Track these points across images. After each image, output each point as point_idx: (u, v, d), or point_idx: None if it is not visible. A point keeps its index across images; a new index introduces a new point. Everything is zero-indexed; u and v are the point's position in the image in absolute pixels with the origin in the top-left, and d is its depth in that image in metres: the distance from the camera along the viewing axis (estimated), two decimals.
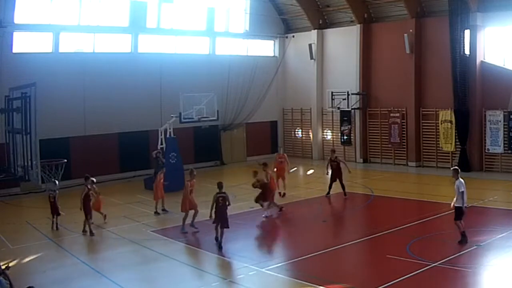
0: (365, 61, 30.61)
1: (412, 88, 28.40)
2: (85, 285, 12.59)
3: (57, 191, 18.10)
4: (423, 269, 12.35)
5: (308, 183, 26.02)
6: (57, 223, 17.72)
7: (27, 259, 14.47)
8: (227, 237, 15.93)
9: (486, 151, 25.92)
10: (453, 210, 14.44)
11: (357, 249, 15.03)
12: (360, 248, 15.08)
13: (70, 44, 26.35)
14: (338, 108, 31.42)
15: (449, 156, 27.48)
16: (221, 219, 14.99)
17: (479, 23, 25.51)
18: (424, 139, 28.54)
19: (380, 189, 22.86)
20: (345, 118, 31.52)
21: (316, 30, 32.71)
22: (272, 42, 34.95)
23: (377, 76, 30.44)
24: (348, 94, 30.90)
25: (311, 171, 29.30)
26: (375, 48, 30.46)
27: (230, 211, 17.43)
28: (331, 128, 32.88)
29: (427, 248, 14.21)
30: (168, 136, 24.51)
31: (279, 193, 21.78)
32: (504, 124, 25.10)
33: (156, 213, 19.47)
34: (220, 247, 14.84)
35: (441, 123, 27.27)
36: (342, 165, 21.54)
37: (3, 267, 10.72)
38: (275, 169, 22.07)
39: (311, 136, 33.82)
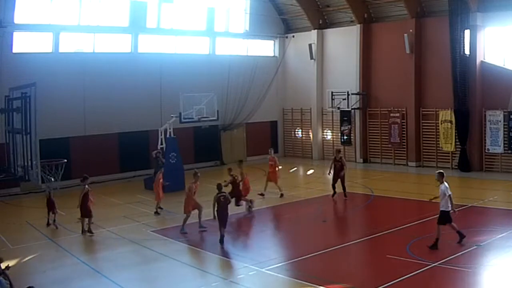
0: (365, 61, 30.61)
1: (412, 88, 28.40)
2: (85, 285, 12.59)
3: (52, 188, 18.25)
4: (423, 269, 12.35)
5: (308, 183, 26.03)
6: (54, 220, 17.79)
7: (27, 259, 14.47)
8: (227, 237, 15.94)
9: (486, 151, 25.92)
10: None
11: (357, 249, 15.03)
12: (360, 248, 15.08)
13: (70, 44, 26.34)
14: (338, 108, 31.42)
15: (449, 156, 27.48)
16: (223, 218, 15.45)
17: (479, 23, 25.51)
18: (424, 139, 28.54)
19: (380, 189, 22.87)
20: (345, 118, 31.52)
21: (316, 30, 32.71)
22: (272, 42, 34.95)
23: (377, 76, 30.44)
24: (348, 94, 30.90)
25: (311, 171, 29.31)
26: (375, 48, 30.46)
27: (231, 210, 17.57)
28: (331, 128, 32.88)
29: (427, 248, 14.18)
30: (168, 136, 24.51)
31: (281, 194, 21.77)
32: (504, 124, 25.10)
33: (156, 213, 19.50)
34: (221, 241, 15.25)
35: (441, 123, 27.27)
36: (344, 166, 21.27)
37: (3, 267, 10.71)
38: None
39: (311, 136, 33.83)
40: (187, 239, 16.12)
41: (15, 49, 24.35)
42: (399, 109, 29.15)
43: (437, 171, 14.58)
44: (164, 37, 29.85)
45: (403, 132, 29.11)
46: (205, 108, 25.17)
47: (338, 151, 21.89)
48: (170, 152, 23.84)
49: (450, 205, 13.90)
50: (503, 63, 25.62)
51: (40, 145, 17.18)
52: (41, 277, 12.95)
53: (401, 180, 25.64)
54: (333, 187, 21.09)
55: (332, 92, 31.69)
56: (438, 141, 27.66)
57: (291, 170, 30.22)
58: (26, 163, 17.89)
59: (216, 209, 15.40)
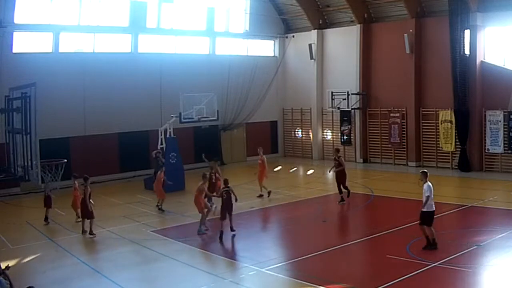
0: (365, 61, 30.62)
1: (412, 88, 28.40)
2: (85, 285, 12.59)
3: (51, 188, 18.60)
4: (423, 269, 12.35)
5: (308, 183, 26.03)
6: (47, 216, 18.14)
7: (27, 259, 14.47)
8: (226, 237, 15.95)
9: (486, 151, 25.92)
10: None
11: (357, 249, 15.03)
12: (360, 248, 15.08)
13: (70, 44, 26.35)
14: (338, 108, 31.42)
15: (449, 156, 27.49)
16: (226, 211, 16.07)
17: (479, 23, 25.51)
18: (424, 139, 28.54)
19: (380, 189, 22.87)
20: (345, 118, 31.52)
21: (316, 30, 32.71)
22: (272, 42, 34.95)
23: (377, 76, 30.44)
24: (348, 94, 30.90)
25: (311, 171, 29.32)
26: (375, 48, 30.47)
27: (235, 211, 17.63)
28: (331, 128, 32.88)
29: (423, 246, 14.19)
30: (168, 136, 24.51)
31: (269, 193, 21.55)
32: (504, 124, 25.10)
33: (160, 209, 19.70)
34: (233, 231, 16.04)
35: (441, 123, 27.28)
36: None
37: (3, 267, 10.71)
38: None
39: (311, 136, 33.83)
40: (190, 238, 16.11)
41: (15, 49, 24.36)
42: (399, 109, 29.15)
43: (421, 171, 14.42)
44: (164, 37, 29.85)
45: (403, 132, 29.11)
46: (205, 108, 25.17)
47: (337, 150, 21.42)
48: (170, 152, 23.85)
49: (428, 205, 13.68)
50: (503, 63, 25.62)
51: (40, 145, 17.15)
52: (41, 277, 12.95)
53: (401, 180, 25.63)
54: (339, 191, 20.32)
55: (332, 92, 31.70)
56: (438, 141, 27.66)
57: (291, 170, 30.23)
58: (26, 163, 17.87)
59: (221, 204, 16.16)
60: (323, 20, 32.81)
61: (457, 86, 25.89)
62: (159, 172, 20.53)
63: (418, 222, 13.97)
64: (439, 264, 12.62)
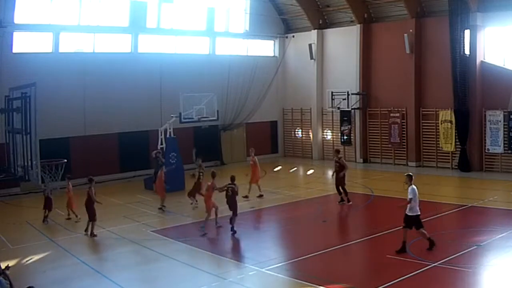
0: (365, 61, 30.61)
1: (412, 88, 28.41)
2: (85, 285, 12.59)
3: (51, 188, 18.83)
4: (423, 269, 12.36)
5: (308, 183, 26.03)
6: (46, 216, 18.35)
7: (27, 259, 14.47)
8: (226, 237, 15.95)
9: (486, 151, 25.92)
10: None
11: (357, 249, 15.04)
12: (360, 248, 15.08)
13: (70, 44, 26.35)
14: (338, 108, 31.43)
15: (449, 156, 27.49)
16: (232, 207, 16.59)
17: (479, 23, 25.51)
18: (424, 139, 28.54)
19: (380, 189, 22.86)
20: (345, 118, 31.52)
21: (316, 30, 32.71)
22: (272, 42, 34.95)
23: (377, 76, 30.44)
24: (348, 94, 30.90)
25: (311, 171, 29.31)
26: (375, 48, 30.46)
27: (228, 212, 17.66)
28: (331, 128, 32.88)
29: (427, 248, 14.19)
30: (168, 136, 24.51)
31: (261, 195, 21.59)
32: (504, 124, 25.10)
33: (160, 209, 19.79)
34: (232, 231, 16.31)
35: (441, 123, 27.28)
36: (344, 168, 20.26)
37: (3, 267, 10.71)
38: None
39: (311, 136, 33.83)
40: (190, 238, 16.12)
41: (15, 49, 24.36)
42: (399, 109, 29.15)
43: (406, 173, 14.33)
44: (164, 37, 29.85)
45: (403, 132, 29.11)
46: (205, 108, 25.17)
47: (337, 151, 21.18)
48: (170, 152, 23.84)
49: (412, 208, 13.59)
50: (503, 63, 25.62)
51: (40, 145, 17.16)
52: (41, 277, 12.95)
53: (401, 180, 25.22)
54: (338, 192, 20.20)
55: (332, 92, 31.70)
56: (438, 141, 27.66)
57: (291, 170, 30.23)
58: (26, 163, 17.87)
59: (226, 200, 16.71)
60: (323, 20, 32.81)
61: (457, 86, 25.89)
62: (159, 171, 20.60)
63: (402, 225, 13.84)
64: (439, 264, 12.62)
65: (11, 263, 13.08)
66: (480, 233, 15.18)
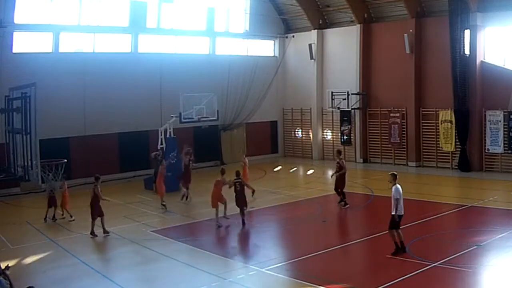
0: (365, 61, 30.62)
1: (412, 88, 28.41)
2: (85, 285, 12.59)
3: (54, 188, 18.97)
4: (423, 269, 12.36)
5: (308, 183, 26.02)
6: (54, 214, 18.48)
7: (27, 259, 14.47)
8: (227, 237, 15.95)
9: (486, 151, 25.92)
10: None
11: (357, 249, 15.03)
12: (360, 248, 15.08)
13: (70, 44, 26.36)
14: (338, 108, 31.43)
15: (449, 156, 27.49)
16: (240, 201, 17.31)
17: (479, 23, 25.51)
18: (424, 139, 28.54)
19: (380, 189, 22.79)
20: (345, 118, 31.52)
21: (316, 30, 32.71)
22: (272, 42, 34.95)
23: (377, 76, 30.44)
24: (348, 94, 30.91)
25: (311, 171, 29.31)
26: (375, 48, 30.47)
27: (231, 211, 17.63)
28: (331, 128, 32.88)
29: (427, 248, 14.20)
30: (168, 136, 24.51)
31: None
32: (504, 124, 25.10)
33: (163, 206, 19.96)
34: (243, 224, 17.19)
35: (441, 123, 27.28)
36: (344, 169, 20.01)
37: (3, 267, 10.72)
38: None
39: (311, 136, 33.83)
40: (190, 238, 16.13)
41: (15, 49, 24.36)
42: (399, 109, 29.15)
43: (390, 173, 14.19)
44: (164, 37, 29.86)
45: (403, 132, 29.11)
46: (205, 108, 25.18)
47: (339, 152, 20.91)
48: (170, 152, 23.84)
49: (396, 209, 13.41)
50: (503, 63, 25.63)
51: (40, 145, 17.11)
52: (41, 277, 12.95)
53: (401, 180, 25.37)
54: (338, 194, 20.01)
55: (332, 92, 31.70)
56: (438, 141, 27.66)
57: (291, 170, 30.23)
58: (26, 163, 17.84)
59: (234, 195, 17.46)
60: (323, 20, 32.81)
61: (457, 86, 25.89)
62: (160, 167, 20.79)
63: (388, 227, 13.73)
64: (439, 264, 12.62)
65: (11, 263, 13.10)
66: (480, 233, 15.18)
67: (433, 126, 27.90)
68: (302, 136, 34.53)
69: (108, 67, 26.77)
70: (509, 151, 25.15)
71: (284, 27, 34.94)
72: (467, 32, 25.58)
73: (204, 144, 30.78)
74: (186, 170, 21.62)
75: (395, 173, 14.13)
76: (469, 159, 26.26)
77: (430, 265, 12.58)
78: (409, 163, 28.85)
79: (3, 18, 23.46)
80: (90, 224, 16.75)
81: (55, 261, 14.31)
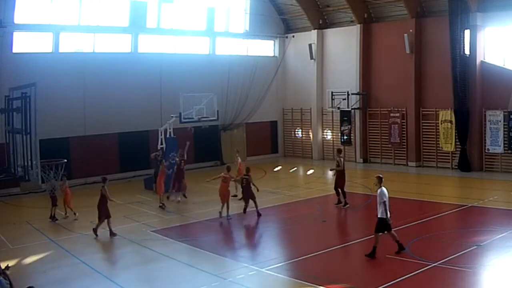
0: (365, 61, 30.62)
1: (412, 88, 28.41)
2: (85, 285, 12.59)
3: (55, 186, 19.01)
4: (423, 269, 12.35)
5: (308, 183, 26.02)
6: (54, 214, 18.55)
7: (27, 259, 14.47)
8: (226, 237, 15.94)
9: (486, 151, 25.92)
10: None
11: (357, 249, 15.02)
12: (360, 248, 15.05)
13: (70, 44, 26.36)
14: (338, 108, 31.43)
15: (449, 156, 27.49)
16: (248, 196, 18.51)
17: (479, 23, 25.51)
18: (424, 139, 28.54)
19: None
20: (345, 118, 31.52)
21: (316, 30, 32.71)
22: (272, 42, 34.95)
23: (377, 76, 30.44)
24: (348, 94, 30.91)
25: (311, 171, 29.31)
26: (375, 48, 30.47)
27: (231, 211, 17.70)
28: (331, 128, 32.89)
29: (427, 248, 14.20)
30: (168, 136, 24.51)
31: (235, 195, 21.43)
32: (504, 124, 25.10)
33: (161, 207, 20.04)
34: (258, 215, 18.34)
35: (441, 123, 27.28)
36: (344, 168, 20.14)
37: (3, 267, 10.72)
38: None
39: (311, 136, 33.83)
40: (190, 238, 16.13)
41: (15, 49, 24.36)
42: (399, 109, 29.15)
43: (376, 175, 14.14)
44: (164, 37, 29.85)
45: (403, 132, 29.11)
46: (205, 108, 25.16)
47: (339, 151, 20.98)
48: (170, 152, 23.82)
49: (386, 212, 13.39)
50: (503, 63, 25.62)
51: (40, 145, 17.17)
52: (41, 277, 12.95)
53: (401, 180, 25.63)
54: (337, 194, 20.00)
55: (332, 92, 31.70)
56: (438, 141, 27.67)
57: (291, 170, 30.23)
58: (26, 163, 17.88)
59: (241, 191, 18.88)
60: (323, 20, 32.81)
61: (457, 86, 25.89)
62: (160, 166, 21.00)
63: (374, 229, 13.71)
64: (439, 264, 12.61)
65: (11, 263, 13.13)
66: (480, 233, 15.18)
67: (433, 126, 27.90)
68: (302, 136, 34.53)
69: (108, 67, 26.77)
70: (509, 151, 25.15)
71: (284, 27, 34.94)
72: (467, 32, 25.58)
73: (204, 144, 30.78)
74: (178, 170, 21.50)
75: (381, 175, 14.03)
76: (469, 159, 26.26)
77: (430, 265, 12.57)
78: (409, 163, 28.85)
79: (3, 18, 23.46)
80: (90, 224, 16.75)
81: (55, 261, 14.31)
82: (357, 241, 15.34)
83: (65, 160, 21.97)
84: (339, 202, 19.91)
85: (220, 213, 18.47)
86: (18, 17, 24.24)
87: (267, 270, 13.00)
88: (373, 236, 13.81)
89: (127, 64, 27.60)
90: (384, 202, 13.42)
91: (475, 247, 13.89)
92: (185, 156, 21.92)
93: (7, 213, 20.69)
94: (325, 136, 33.33)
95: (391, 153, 30.00)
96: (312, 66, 33.14)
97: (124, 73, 27.33)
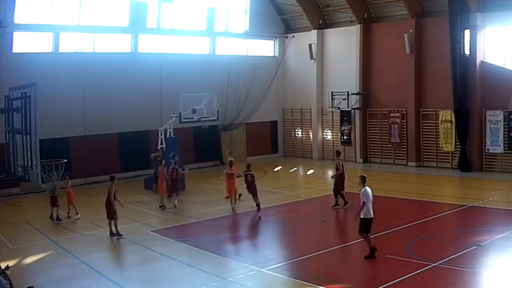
0: (365, 61, 30.62)
1: (412, 88, 28.41)
2: (85, 285, 12.59)
3: (56, 187, 18.86)
4: (423, 269, 12.35)
5: (308, 183, 26.02)
6: (57, 215, 18.38)
7: (27, 259, 14.47)
8: (227, 237, 15.94)
9: (486, 151, 25.92)
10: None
11: (357, 249, 15.01)
12: (360, 248, 15.04)
13: (70, 44, 26.37)
14: (338, 108, 31.42)
15: (449, 156, 27.49)
16: (252, 191, 19.37)
17: (479, 23, 25.50)
18: (424, 139, 28.54)
19: (380, 189, 22.74)
20: (345, 118, 31.52)
21: (316, 30, 32.71)
22: (272, 42, 34.95)
23: (377, 76, 30.44)
24: (348, 94, 30.90)
25: (311, 171, 29.30)
26: (375, 48, 30.46)
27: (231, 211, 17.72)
28: (331, 128, 32.88)
29: (427, 248, 14.20)
30: (168, 136, 24.51)
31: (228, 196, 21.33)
32: (504, 124, 25.10)
33: (161, 206, 20.07)
34: (258, 208, 19.32)
35: (441, 123, 27.28)
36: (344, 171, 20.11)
37: (3, 267, 10.72)
38: None
39: (311, 136, 33.83)
40: (190, 238, 16.13)
41: (15, 49, 24.37)
42: (399, 109, 29.15)
43: (360, 175, 14.17)
44: (164, 37, 29.86)
45: (403, 132, 29.11)
46: (205, 108, 25.16)
47: (337, 153, 20.94)
48: (170, 152, 23.81)
49: (363, 212, 13.35)
50: (503, 63, 25.62)
51: (40, 145, 17.16)
52: (41, 277, 12.94)
53: (401, 180, 25.64)
54: (335, 196, 19.93)
55: (332, 92, 31.70)
56: (438, 141, 27.66)
57: (291, 170, 30.23)
58: (26, 163, 17.88)
59: (245, 186, 19.53)
60: (323, 20, 32.81)
61: (457, 86, 25.89)
62: (159, 166, 20.98)
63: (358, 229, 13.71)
64: (439, 264, 12.61)
65: (11, 263, 13.14)
66: (480, 233, 15.18)
67: (433, 126, 27.90)
68: (302, 136, 34.53)
69: (108, 67, 26.77)
70: (509, 151, 25.14)
71: (284, 27, 34.93)
72: (467, 32, 25.57)
73: (204, 144, 30.79)
74: (171, 179, 20.68)
75: (364, 175, 14.09)
76: (469, 159, 26.26)
77: (430, 265, 12.57)
78: (409, 163, 28.85)
79: (3, 18, 23.46)
80: (90, 224, 16.76)
81: (55, 261, 14.31)
82: (357, 241, 15.30)
83: (65, 160, 21.98)
84: (337, 204, 19.90)
85: (233, 209, 19.40)
86: (18, 17, 24.25)
87: (267, 270, 13.00)
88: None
89: (127, 64, 27.61)
90: (363, 202, 13.42)
91: (475, 247, 13.89)
92: (177, 165, 20.99)
93: (7, 213, 20.69)
94: (325, 136, 33.33)
95: (391, 153, 29.99)
96: (312, 66, 33.14)
97: (124, 73, 27.34)
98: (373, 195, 20.08)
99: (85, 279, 12.88)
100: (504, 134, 25.10)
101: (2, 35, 23.59)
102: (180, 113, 24.32)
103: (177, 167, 20.83)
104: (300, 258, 13.92)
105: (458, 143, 26.61)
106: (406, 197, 21.49)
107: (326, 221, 18.37)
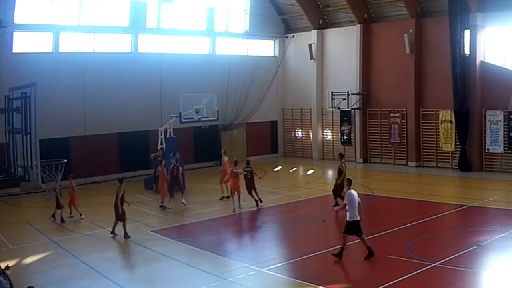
0: (365, 61, 30.62)
1: (412, 88, 28.41)
2: (85, 285, 12.59)
3: (57, 188, 18.82)
4: (423, 269, 12.35)
5: (308, 183, 26.01)
6: (61, 217, 18.39)
7: (27, 259, 14.47)
8: (227, 237, 15.93)
9: (486, 151, 25.92)
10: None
11: (357, 249, 15.00)
12: (360, 248, 15.04)
13: (70, 44, 26.37)
14: (338, 108, 31.42)
15: (449, 156, 27.49)
16: (251, 187, 19.84)
17: (479, 23, 25.50)
18: (424, 139, 28.54)
19: (380, 189, 22.85)
20: (345, 118, 31.52)
21: (316, 30, 32.71)
22: (272, 42, 34.95)
23: (377, 76, 30.44)
24: (348, 94, 30.90)
25: (311, 171, 29.30)
26: (375, 48, 30.46)
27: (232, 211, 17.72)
28: (331, 128, 32.88)
29: (427, 248, 14.20)
30: (168, 136, 24.51)
31: (222, 197, 21.46)
32: (504, 124, 25.10)
33: (162, 207, 20.11)
34: (260, 201, 19.85)
35: (441, 123, 27.28)
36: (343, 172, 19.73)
37: (3, 267, 10.72)
38: None
39: (311, 136, 33.82)
40: (190, 238, 16.13)
41: (15, 49, 24.37)
42: (399, 109, 29.15)
43: (346, 177, 14.30)
44: (164, 37, 29.86)
45: (403, 132, 29.10)
46: (205, 108, 25.15)
47: (341, 155, 20.64)
48: (170, 152, 23.81)
49: (349, 214, 13.33)
50: (503, 63, 25.62)
51: (40, 145, 17.17)
52: (41, 277, 12.95)
53: (401, 180, 25.64)
54: (334, 195, 19.74)
55: (332, 92, 31.70)
56: (438, 141, 27.66)
57: (291, 170, 30.23)
58: (26, 163, 17.88)
59: (245, 182, 19.87)
60: (323, 20, 32.81)
61: (457, 86, 25.89)
62: (158, 167, 20.95)
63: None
64: (439, 264, 12.62)
65: (11, 263, 13.14)
66: (480, 233, 15.18)
67: (433, 126, 27.90)
68: (302, 136, 34.52)
69: (108, 67, 26.77)
70: (509, 151, 25.14)
71: (284, 27, 34.93)
72: (467, 32, 25.57)
73: (204, 144, 30.78)
74: (172, 177, 20.71)
75: (350, 178, 14.28)
76: (469, 159, 26.26)
77: (430, 265, 12.57)
78: (409, 163, 28.85)
79: (3, 18, 23.46)
80: (90, 224, 16.75)
81: (55, 261, 14.31)
82: (357, 241, 15.29)
83: (65, 160, 22.02)
84: (337, 204, 19.84)
85: (239, 207, 19.55)
86: (18, 17, 24.24)
87: (267, 270, 13.00)
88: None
89: (127, 64, 27.61)
90: (344, 204, 13.45)
91: (475, 247, 13.89)
92: (178, 163, 21.06)
93: (7, 213, 20.69)
94: (325, 136, 33.33)
95: (391, 153, 29.99)
96: (312, 66, 33.14)
97: (124, 73, 27.34)
98: (373, 195, 20.01)
99: (85, 279, 12.88)
100: (504, 134, 25.10)
101: (2, 35, 23.59)
102: (180, 113, 24.30)
103: (178, 164, 20.82)
104: (300, 258, 13.93)
105: (458, 143, 26.61)
106: (406, 197, 21.48)
107: (326, 221, 18.36)
